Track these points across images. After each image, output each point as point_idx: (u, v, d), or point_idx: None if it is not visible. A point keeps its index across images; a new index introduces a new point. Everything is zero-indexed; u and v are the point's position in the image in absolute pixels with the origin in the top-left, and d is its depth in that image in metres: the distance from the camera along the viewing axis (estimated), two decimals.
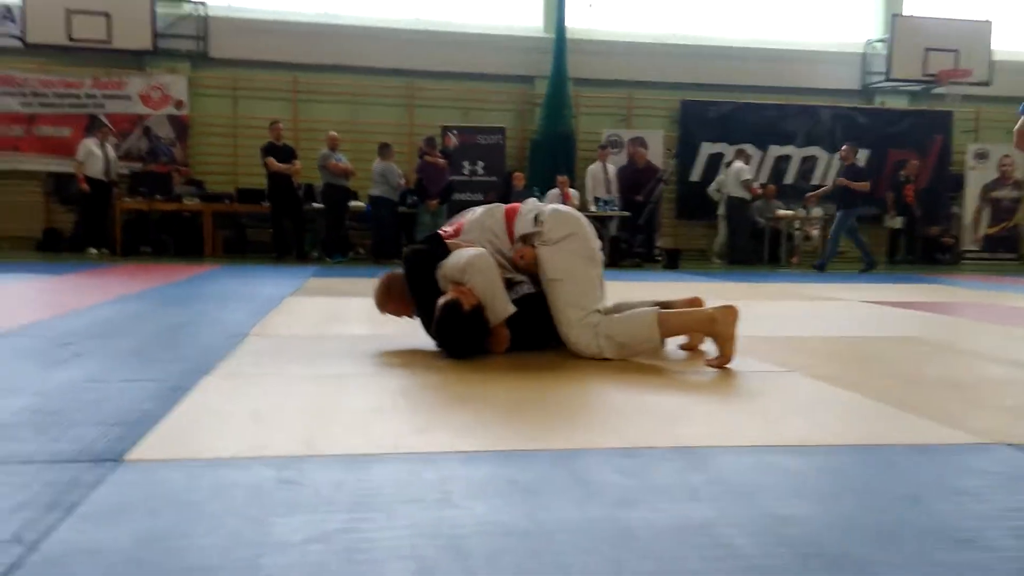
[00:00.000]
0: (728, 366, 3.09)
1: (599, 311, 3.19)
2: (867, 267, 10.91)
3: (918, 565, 1.32)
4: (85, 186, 10.83)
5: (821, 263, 11.01)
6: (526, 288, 3.26)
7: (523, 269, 3.27)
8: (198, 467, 1.76)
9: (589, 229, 3.35)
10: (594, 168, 12.20)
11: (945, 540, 1.43)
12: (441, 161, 11.04)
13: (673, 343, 3.51)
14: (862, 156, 14.32)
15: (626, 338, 3.16)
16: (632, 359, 3.20)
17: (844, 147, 11.43)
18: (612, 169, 12.26)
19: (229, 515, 1.48)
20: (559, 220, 3.28)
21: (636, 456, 1.90)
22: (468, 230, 3.39)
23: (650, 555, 1.34)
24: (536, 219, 3.27)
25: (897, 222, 13.49)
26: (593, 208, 11.77)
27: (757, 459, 1.90)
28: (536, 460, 1.85)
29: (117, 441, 1.91)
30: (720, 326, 3.11)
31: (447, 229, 3.48)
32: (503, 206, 3.47)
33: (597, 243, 3.36)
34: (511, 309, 3.14)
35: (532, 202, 3.45)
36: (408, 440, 2.00)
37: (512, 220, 3.34)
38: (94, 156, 10.97)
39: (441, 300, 3.08)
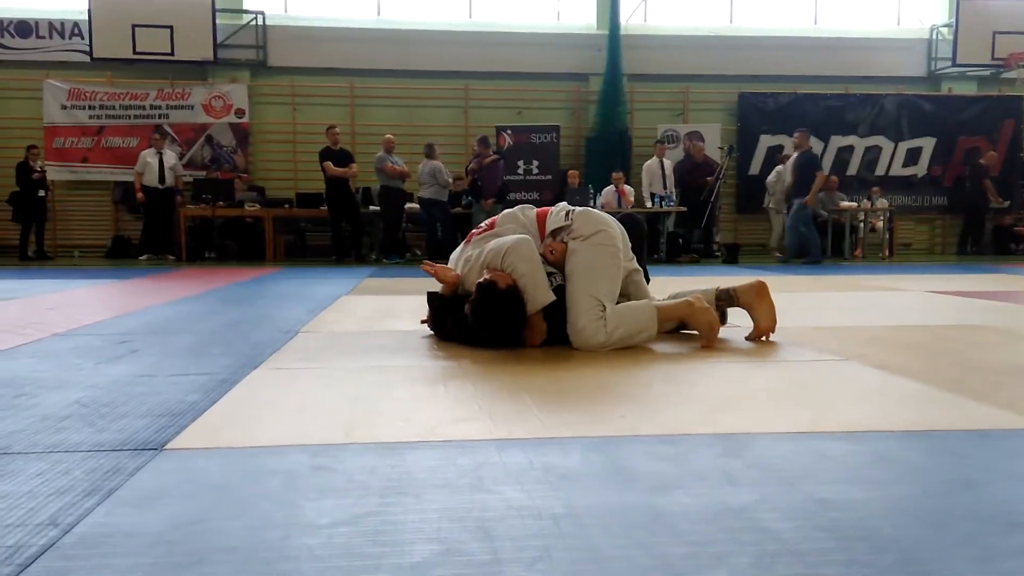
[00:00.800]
0: (780, 356, 3.03)
1: (605, 306, 3.18)
2: (814, 261, 10.28)
3: (966, 549, 1.26)
4: (140, 195, 11.22)
5: (815, 258, 10.40)
6: (558, 280, 3.23)
7: (552, 263, 3.27)
8: (236, 455, 1.78)
9: (617, 228, 3.38)
10: (651, 163, 12.06)
11: (997, 524, 1.36)
12: (491, 157, 10.98)
13: (740, 335, 3.48)
14: (928, 144, 13.93)
15: (628, 328, 3.17)
16: (685, 349, 3.16)
17: (797, 133, 10.76)
18: (668, 164, 12.11)
19: (261, 500, 1.48)
20: (588, 217, 3.32)
21: (676, 443, 1.86)
22: (502, 223, 3.42)
23: (683, 539, 1.30)
24: (567, 215, 3.33)
25: (1004, 204, 13.17)
26: (649, 204, 11.64)
27: (803, 445, 1.84)
28: (573, 447, 1.82)
29: (160, 431, 1.95)
30: (696, 312, 3.25)
31: (481, 226, 3.51)
32: (535, 207, 3.54)
33: (625, 244, 3.39)
34: (551, 297, 3.12)
35: (563, 204, 3.50)
36: (446, 429, 1.99)
37: (543, 220, 3.40)
38: (149, 166, 11.33)
39: (477, 282, 3.10)
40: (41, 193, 11.64)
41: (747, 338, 3.42)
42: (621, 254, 3.32)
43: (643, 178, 12.06)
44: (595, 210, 3.47)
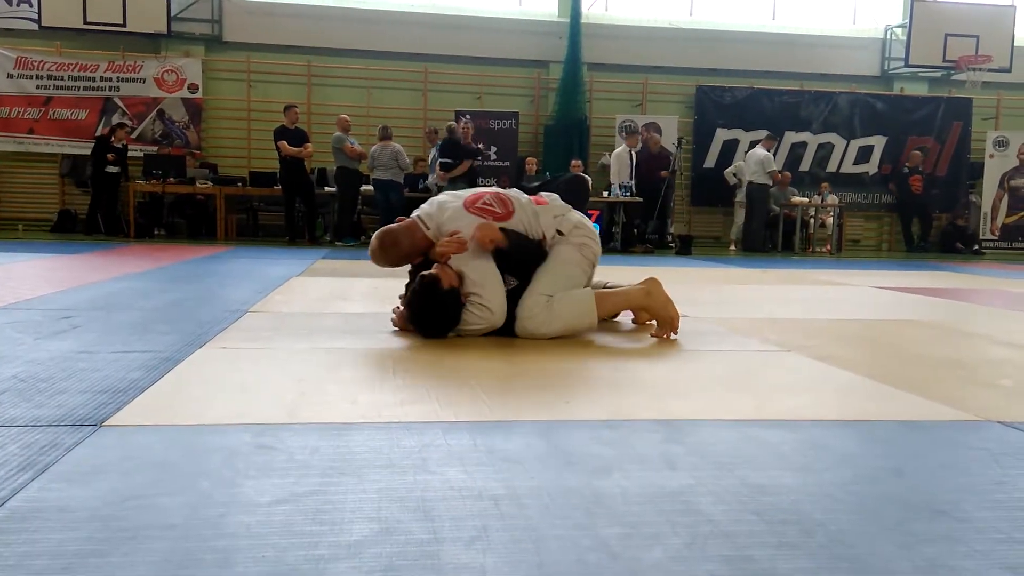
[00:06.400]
0: (726, 346, 3.09)
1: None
2: None
3: (892, 534, 1.30)
4: None
5: None
6: (510, 283, 3.21)
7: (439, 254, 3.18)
8: (177, 432, 1.76)
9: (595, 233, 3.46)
10: (621, 152, 11.76)
11: (922, 511, 1.41)
12: (468, 141, 10.88)
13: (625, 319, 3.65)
14: (879, 142, 14.20)
15: (568, 316, 3.18)
16: (635, 338, 3.19)
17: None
18: (634, 155, 11.92)
19: (201, 477, 1.48)
20: (583, 226, 3.39)
21: (619, 428, 1.89)
22: (519, 210, 3.31)
23: (619, 520, 1.33)
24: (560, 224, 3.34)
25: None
26: (618, 192, 11.45)
27: (742, 432, 1.88)
28: (518, 431, 1.84)
29: (100, 408, 1.92)
30: (655, 303, 3.28)
31: (491, 203, 3.30)
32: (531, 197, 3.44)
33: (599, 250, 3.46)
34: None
35: (557, 199, 3.44)
36: (392, 410, 1.99)
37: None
38: None
39: (421, 273, 3.07)
40: None
41: (633, 322, 3.59)
42: (595, 255, 3.38)
43: (612, 166, 11.88)
44: (586, 220, 3.46)
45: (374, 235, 3.34)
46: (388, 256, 3.32)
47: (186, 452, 1.63)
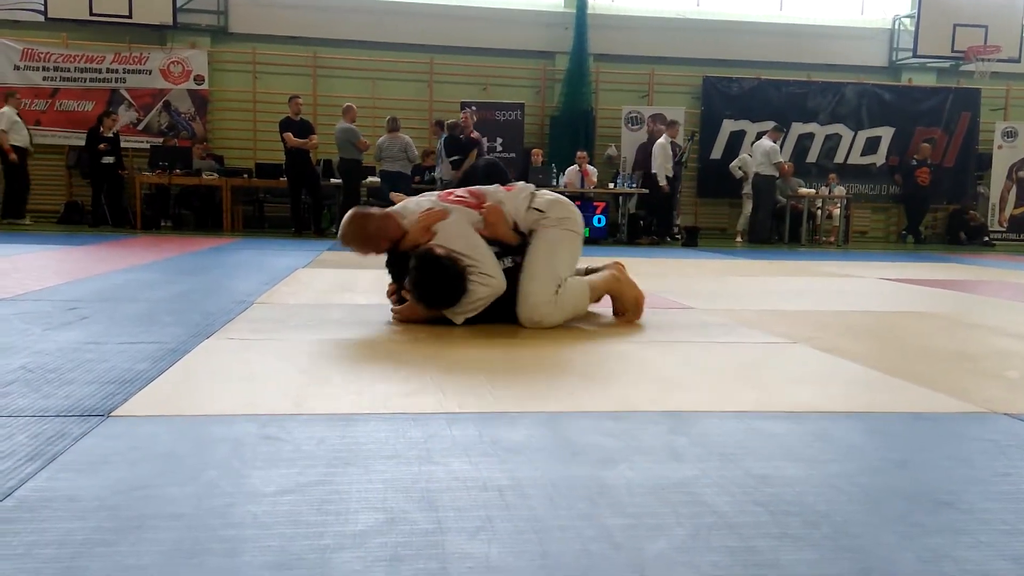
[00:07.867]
0: (732, 338, 3.09)
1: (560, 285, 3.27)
2: None
3: (896, 525, 1.30)
4: (13, 156, 10.92)
5: None
6: (508, 262, 3.22)
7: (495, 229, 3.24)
8: (184, 423, 1.77)
9: (580, 216, 3.49)
10: (664, 143, 11.42)
11: (926, 502, 1.41)
12: (475, 134, 10.84)
13: (687, 317, 3.54)
14: (887, 133, 14.14)
15: (573, 306, 3.31)
16: (655, 334, 3.19)
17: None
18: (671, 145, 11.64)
19: (208, 467, 1.48)
20: (558, 203, 3.37)
21: (625, 419, 1.89)
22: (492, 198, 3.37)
23: (624, 511, 1.33)
24: (532, 195, 3.37)
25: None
26: (662, 182, 11.23)
27: (747, 424, 1.88)
28: (523, 421, 1.84)
29: (107, 398, 1.93)
30: (624, 286, 3.43)
31: (463, 194, 3.41)
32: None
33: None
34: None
35: (525, 185, 3.47)
36: (397, 401, 2.00)
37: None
38: (18, 124, 11.06)
39: (415, 252, 3.06)
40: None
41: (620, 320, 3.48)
42: (579, 225, 3.42)
43: (656, 158, 11.47)
44: (561, 196, 3.47)
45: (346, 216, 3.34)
46: (354, 231, 3.28)
47: (193, 442, 1.64)
